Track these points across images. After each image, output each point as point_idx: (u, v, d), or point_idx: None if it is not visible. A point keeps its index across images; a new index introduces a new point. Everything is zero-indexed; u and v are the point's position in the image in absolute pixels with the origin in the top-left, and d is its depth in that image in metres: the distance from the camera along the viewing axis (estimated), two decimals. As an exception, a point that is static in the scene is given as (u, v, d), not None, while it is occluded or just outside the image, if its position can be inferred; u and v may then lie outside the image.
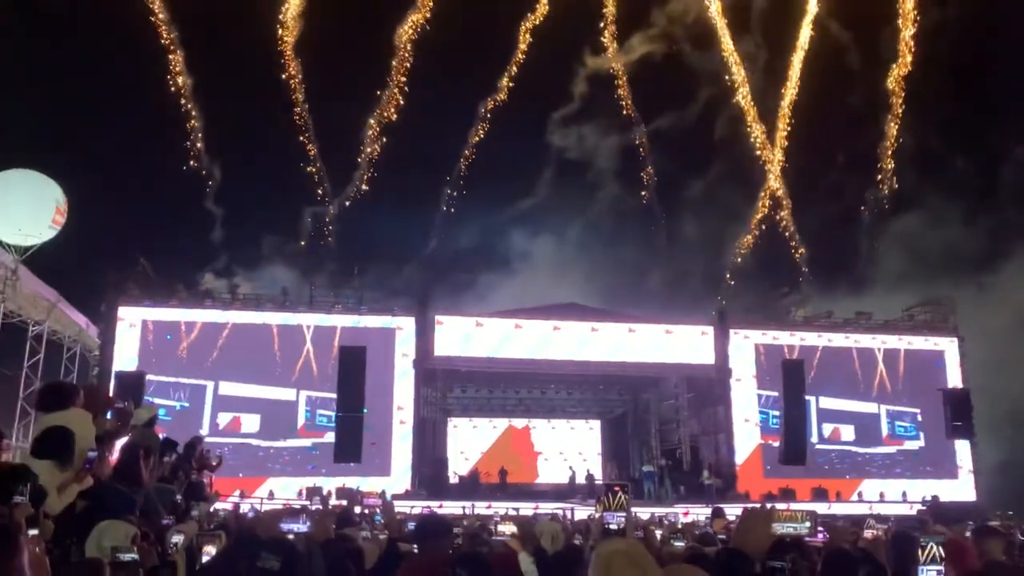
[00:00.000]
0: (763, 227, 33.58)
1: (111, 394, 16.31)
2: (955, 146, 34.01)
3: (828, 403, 26.40)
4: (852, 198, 34.58)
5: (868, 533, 7.35)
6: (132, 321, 22.88)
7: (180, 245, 29.54)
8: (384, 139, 32.20)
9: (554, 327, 25.07)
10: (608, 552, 1.98)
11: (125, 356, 22.36)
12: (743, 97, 32.51)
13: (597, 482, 26.20)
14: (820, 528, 4.66)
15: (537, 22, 32.34)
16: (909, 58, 32.34)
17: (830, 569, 3.61)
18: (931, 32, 31.92)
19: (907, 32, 32.07)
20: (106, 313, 22.90)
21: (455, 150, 33.58)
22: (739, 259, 32.92)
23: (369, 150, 31.28)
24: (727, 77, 32.55)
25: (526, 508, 17.96)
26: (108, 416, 6.91)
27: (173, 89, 29.04)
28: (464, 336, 24.68)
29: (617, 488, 3.44)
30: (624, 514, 3.38)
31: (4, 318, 21.37)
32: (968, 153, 33.90)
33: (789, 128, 32.69)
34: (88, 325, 24.74)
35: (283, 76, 30.14)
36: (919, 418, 26.95)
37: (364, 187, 31.24)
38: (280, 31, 29.51)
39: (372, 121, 31.19)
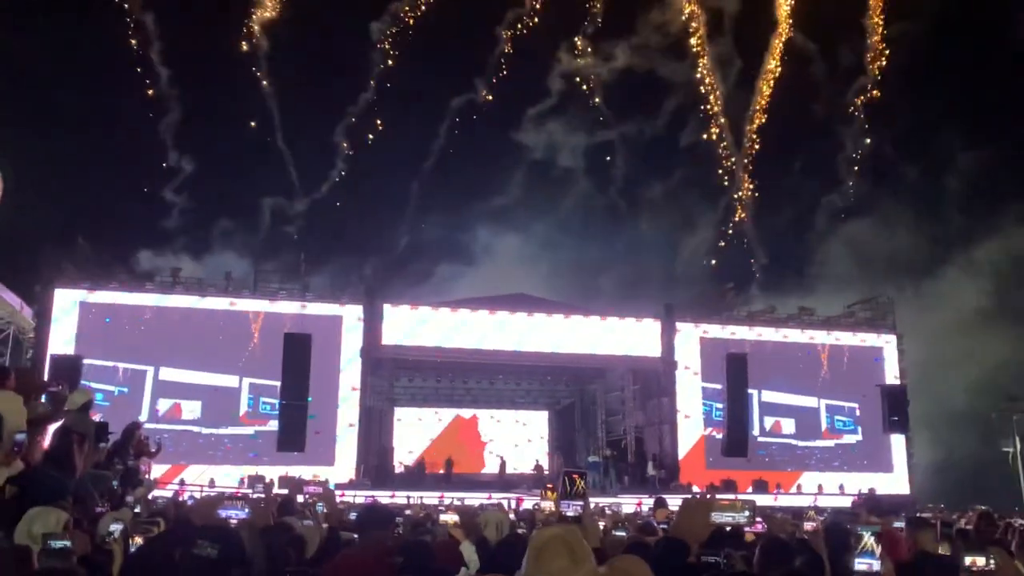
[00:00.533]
0: (723, 227, 34.42)
1: (45, 378, 15.88)
2: (907, 155, 35.24)
3: (770, 396, 26.89)
4: (807, 202, 35.62)
5: (808, 525, 7.51)
6: (69, 303, 22.26)
7: (120, 227, 28.83)
8: (356, 131, 32.31)
9: (502, 318, 25.08)
10: (543, 537, 1.96)
11: (61, 339, 21.74)
12: (713, 102, 33.05)
13: (547, 472, 26.40)
14: (758, 519, 4.74)
15: (521, 20, 32.64)
16: (872, 68, 33.36)
17: (765, 558, 3.66)
18: (891, 43, 33.04)
19: (872, 40, 33.03)
20: (41, 294, 22.21)
21: (425, 145, 33.83)
22: (690, 255, 33.60)
23: (344, 144, 31.11)
24: (701, 83, 33.18)
25: (472, 498, 17.96)
26: (42, 400, 6.72)
27: (130, 59, 28.48)
28: (412, 325, 24.54)
29: (575, 476, 3.44)
30: (581, 502, 3.38)
31: (-67, 298, 20.64)
32: (917, 161, 35.09)
33: (756, 134, 33.40)
34: (22, 306, 24.00)
35: (246, 52, 29.84)
36: (857, 413, 27.61)
37: (335, 179, 31.05)
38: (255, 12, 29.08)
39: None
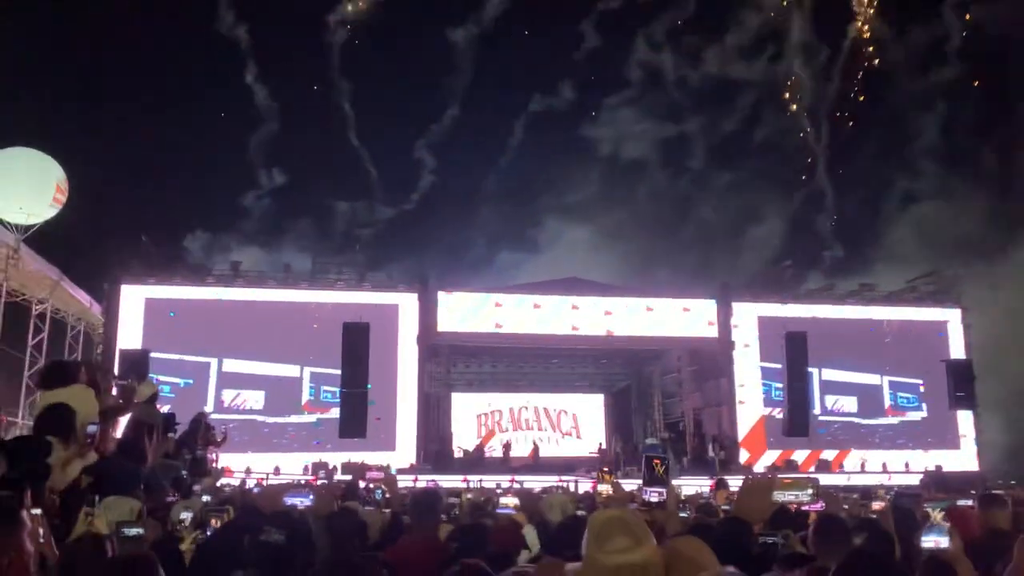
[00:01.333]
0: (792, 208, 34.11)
1: (115, 372, 16.37)
2: (979, 135, 34.28)
3: (831, 375, 26.41)
4: (876, 184, 34.99)
5: (876, 504, 7.35)
6: (135, 299, 22.91)
7: (183, 223, 29.53)
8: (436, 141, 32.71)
9: (556, 302, 25.05)
10: (602, 518, 1.96)
11: (129, 334, 22.40)
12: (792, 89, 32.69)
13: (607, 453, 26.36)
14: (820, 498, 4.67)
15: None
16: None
17: (821, 535, 3.61)
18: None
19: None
20: (109, 291, 22.91)
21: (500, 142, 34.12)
22: (753, 241, 33.29)
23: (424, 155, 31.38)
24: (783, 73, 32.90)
25: (531, 481, 18.04)
26: (112, 393, 6.94)
27: (209, 54, 29.21)
28: (466, 312, 24.68)
29: (656, 460, 3.40)
30: (664, 487, 3.33)
31: (7, 297, 21.37)
32: (989, 141, 34.11)
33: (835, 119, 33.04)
34: (91, 303, 24.76)
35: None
36: (921, 389, 26.96)
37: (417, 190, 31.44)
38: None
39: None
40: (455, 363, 28.35)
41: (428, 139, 34.60)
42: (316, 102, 33.75)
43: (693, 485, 16.14)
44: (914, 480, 21.54)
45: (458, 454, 25.98)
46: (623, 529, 1.91)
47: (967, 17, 33.17)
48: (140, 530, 3.72)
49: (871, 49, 35.05)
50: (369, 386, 21.85)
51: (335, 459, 20.81)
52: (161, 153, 31.12)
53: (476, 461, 25.30)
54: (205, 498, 6.68)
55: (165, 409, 9.55)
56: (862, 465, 24.90)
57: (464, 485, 17.30)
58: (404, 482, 13.55)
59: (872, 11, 34.11)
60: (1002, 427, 27.06)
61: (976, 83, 33.94)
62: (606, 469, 7.45)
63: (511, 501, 6.21)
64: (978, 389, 24.22)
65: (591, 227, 34.25)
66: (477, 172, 36.26)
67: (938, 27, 34.13)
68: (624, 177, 36.50)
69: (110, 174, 27.48)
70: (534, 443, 27.41)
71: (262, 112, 31.98)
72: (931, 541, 3.00)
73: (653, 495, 3.26)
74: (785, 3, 34.30)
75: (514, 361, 29.48)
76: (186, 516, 4.95)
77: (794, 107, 34.01)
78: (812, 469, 24.07)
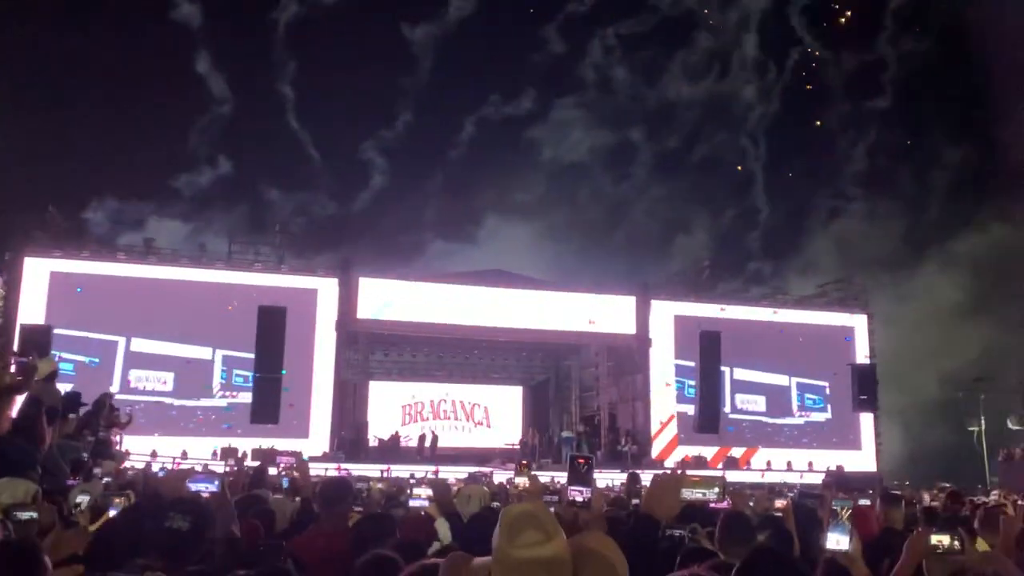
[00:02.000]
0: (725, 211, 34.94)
1: (15, 347, 15.66)
2: (895, 152, 35.86)
3: (742, 374, 27.18)
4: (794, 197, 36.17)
5: (779, 502, 7.60)
6: (39, 272, 21.95)
7: (91, 195, 28.36)
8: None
9: (478, 293, 25.07)
10: (514, 513, 1.96)
11: (31, 308, 21.43)
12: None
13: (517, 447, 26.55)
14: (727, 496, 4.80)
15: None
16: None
17: (726, 533, 3.71)
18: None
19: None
20: (11, 262, 21.90)
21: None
22: (677, 247, 34.00)
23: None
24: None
25: (445, 471, 18.03)
26: (10, 369, 6.62)
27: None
28: (387, 299, 24.46)
29: (582, 460, 3.42)
30: (590, 488, 3.35)
31: (-102, 265, 20.25)
32: (904, 159, 35.69)
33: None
34: (-9, 275, 23.64)
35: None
36: (827, 391, 27.99)
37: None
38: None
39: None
40: (373, 351, 28.09)
41: (375, 135, 34.16)
42: (259, 86, 32.86)
43: (606, 479, 16.39)
44: (817, 479, 22.35)
45: (373, 443, 25.78)
46: (534, 524, 1.92)
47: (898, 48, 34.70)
48: (33, 514, 3.56)
49: (810, 72, 36.40)
50: (284, 371, 21.50)
51: (246, 445, 20.42)
52: (74, 123, 29.79)
53: (392, 450, 25.15)
54: (105, 480, 6.45)
55: (68, 388, 9.19)
56: (768, 463, 25.70)
57: (377, 474, 17.21)
58: (316, 471, 13.38)
59: (813, 37, 35.42)
60: (898, 425, 28.44)
61: (899, 111, 35.59)
62: (524, 462, 7.48)
63: (424, 492, 6.18)
64: (881, 396, 25.37)
65: (528, 225, 34.49)
66: (422, 167, 36.08)
67: (869, 56, 35.58)
68: (565, 179, 37.03)
69: (16, 142, 26.21)
70: (432, 433, 27.20)
71: (203, 92, 30.98)
72: (834, 540, 3.10)
73: (576, 494, 3.28)
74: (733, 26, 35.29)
75: (433, 351, 29.39)
76: (83, 499, 4.76)
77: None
78: (720, 466, 24.73)
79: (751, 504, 6.84)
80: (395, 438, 26.49)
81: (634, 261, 33.00)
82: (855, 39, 36.66)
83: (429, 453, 25.16)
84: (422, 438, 26.48)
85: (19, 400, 6.79)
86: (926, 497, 11.02)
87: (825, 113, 38.07)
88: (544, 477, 11.44)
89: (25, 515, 3.53)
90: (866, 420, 27.60)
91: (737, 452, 26.08)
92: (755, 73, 37.15)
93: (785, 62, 36.97)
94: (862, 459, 27.23)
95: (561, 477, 15.18)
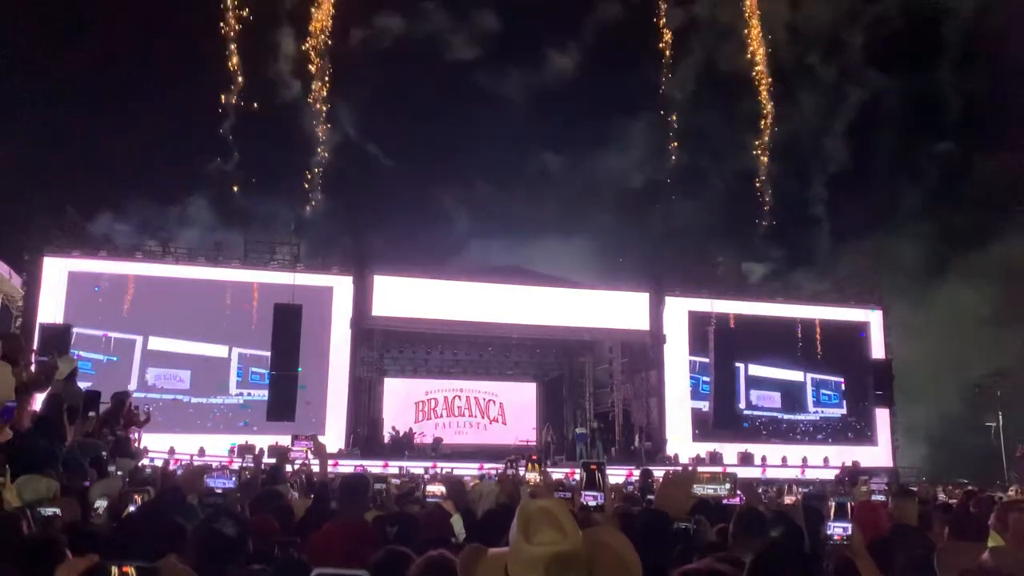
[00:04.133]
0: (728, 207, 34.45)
1: (35, 346, 15.86)
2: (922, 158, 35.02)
3: (756, 370, 27.10)
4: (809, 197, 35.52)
5: (788, 498, 7.63)
6: (58, 272, 22.17)
7: (110, 195, 28.56)
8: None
9: (492, 289, 25.12)
10: (532, 508, 2.01)
11: (51, 308, 21.67)
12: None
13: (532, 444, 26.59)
14: (739, 491, 4.84)
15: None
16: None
17: (740, 528, 3.74)
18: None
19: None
20: (31, 262, 22.14)
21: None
22: (689, 236, 33.60)
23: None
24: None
25: (459, 468, 18.11)
26: (31, 368, 6.73)
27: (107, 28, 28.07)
28: (402, 296, 24.54)
29: (593, 467, 3.45)
30: (602, 493, 3.39)
31: (-80, 265, 20.51)
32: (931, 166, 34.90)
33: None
34: (11, 274, 23.87)
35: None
36: (842, 387, 27.88)
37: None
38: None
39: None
40: (388, 348, 28.20)
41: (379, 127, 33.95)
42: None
43: (619, 475, 16.43)
44: (832, 474, 22.32)
45: (388, 439, 25.88)
46: (551, 520, 1.97)
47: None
48: (56, 510, 3.65)
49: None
50: (300, 369, 21.63)
51: (262, 442, 20.55)
52: (95, 124, 29.97)
53: (407, 447, 25.25)
54: (124, 477, 6.54)
55: (87, 386, 9.30)
56: (783, 459, 25.63)
57: (391, 471, 17.31)
58: (332, 467, 13.46)
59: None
60: (916, 420, 28.27)
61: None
62: (535, 457, 7.50)
63: (438, 489, 6.23)
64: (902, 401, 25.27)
65: (543, 219, 34.36)
66: (433, 158, 35.80)
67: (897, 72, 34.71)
68: (583, 176, 36.79)
69: (37, 143, 26.43)
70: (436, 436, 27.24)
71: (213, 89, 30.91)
72: (838, 528, 3.13)
73: (590, 499, 3.32)
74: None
75: (447, 347, 29.46)
76: (101, 504, 4.83)
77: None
78: (735, 462, 24.67)
79: (765, 500, 6.86)
80: (409, 435, 26.57)
81: (646, 254, 32.83)
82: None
83: (436, 451, 25.24)
84: (436, 439, 26.52)
85: (40, 398, 6.90)
86: (941, 494, 11.00)
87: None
88: (558, 474, 11.48)
89: (48, 511, 3.61)
90: (882, 415, 27.47)
91: (752, 448, 25.97)
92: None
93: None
94: (878, 455, 27.11)
95: (575, 473, 15.23)
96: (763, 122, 31.79)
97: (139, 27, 29.44)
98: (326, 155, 29.61)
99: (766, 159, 31.69)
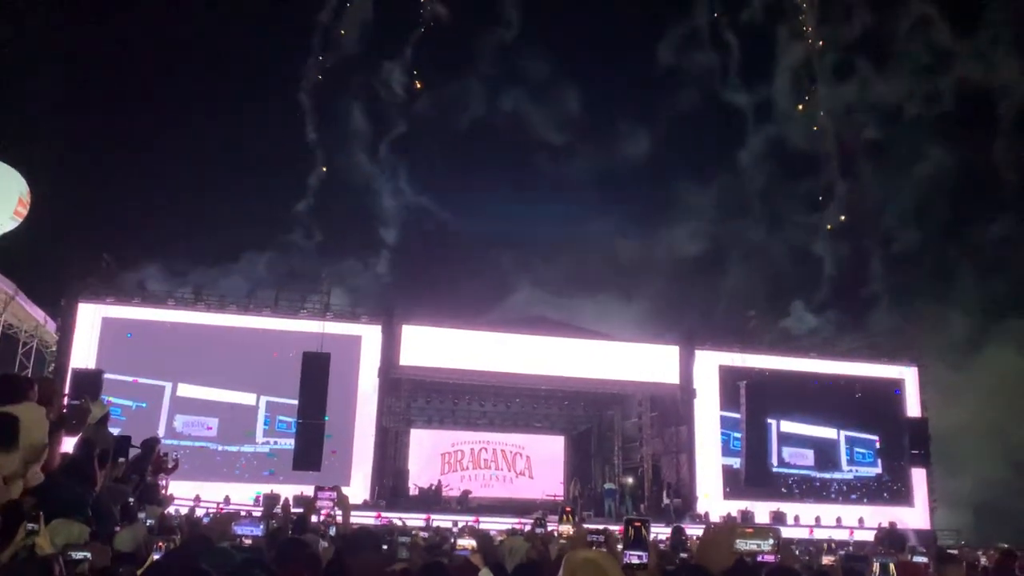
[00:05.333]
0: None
1: (67, 390, 15.97)
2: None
3: (789, 427, 26.62)
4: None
5: (827, 559, 7.41)
6: (92, 318, 22.47)
7: (145, 243, 29.10)
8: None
9: (520, 340, 25.03)
10: (577, 560, 1.95)
11: (83, 353, 21.92)
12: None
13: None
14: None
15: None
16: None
17: None
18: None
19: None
20: (65, 308, 22.47)
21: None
22: (718, 290, 33.48)
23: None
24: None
25: (487, 522, 17.87)
26: (63, 412, 6.75)
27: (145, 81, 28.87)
28: (430, 346, 24.54)
29: (638, 523, 3.37)
30: (646, 552, 3.29)
31: (-41, 310, 20.88)
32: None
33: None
34: (46, 320, 24.23)
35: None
36: (877, 445, 27.27)
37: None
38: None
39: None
40: (415, 398, 28.13)
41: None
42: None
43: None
44: (868, 536, 21.71)
45: (413, 491, 25.66)
46: (596, 571, 1.91)
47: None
48: (87, 554, 3.61)
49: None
50: (327, 418, 21.60)
51: (286, 491, 20.43)
52: (130, 173, 30.73)
53: (433, 499, 25.01)
54: (149, 524, 6.50)
55: (115, 432, 9.31)
56: (817, 519, 25.01)
57: (416, 522, 17.11)
58: (357, 519, 13.33)
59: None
60: (954, 481, 27.48)
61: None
62: (568, 509, 7.39)
63: (468, 543, 6.14)
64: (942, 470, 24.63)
65: (568, 270, 34.42)
66: (461, 212, 36.25)
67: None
68: (606, 225, 36.89)
69: (75, 190, 27.07)
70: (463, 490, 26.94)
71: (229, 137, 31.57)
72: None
73: (633, 558, 3.22)
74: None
75: (475, 398, 29.32)
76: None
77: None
78: (767, 521, 24.10)
79: (806, 558, 6.67)
80: (438, 487, 26.32)
81: (674, 306, 32.63)
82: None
83: (462, 505, 24.94)
84: (464, 492, 26.24)
85: (71, 441, 6.90)
86: (983, 558, 10.62)
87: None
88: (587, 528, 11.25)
89: (79, 555, 3.58)
90: (919, 476, 26.78)
91: (785, 507, 25.39)
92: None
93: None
94: (915, 516, 26.36)
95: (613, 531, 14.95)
96: (823, 197, 31.88)
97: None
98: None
99: (826, 227, 31.66)
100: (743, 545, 3.34)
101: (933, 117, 33.33)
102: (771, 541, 3.39)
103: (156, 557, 4.70)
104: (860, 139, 34.62)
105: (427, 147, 33.57)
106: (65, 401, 7.24)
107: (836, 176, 33.31)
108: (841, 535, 23.06)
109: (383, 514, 19.91)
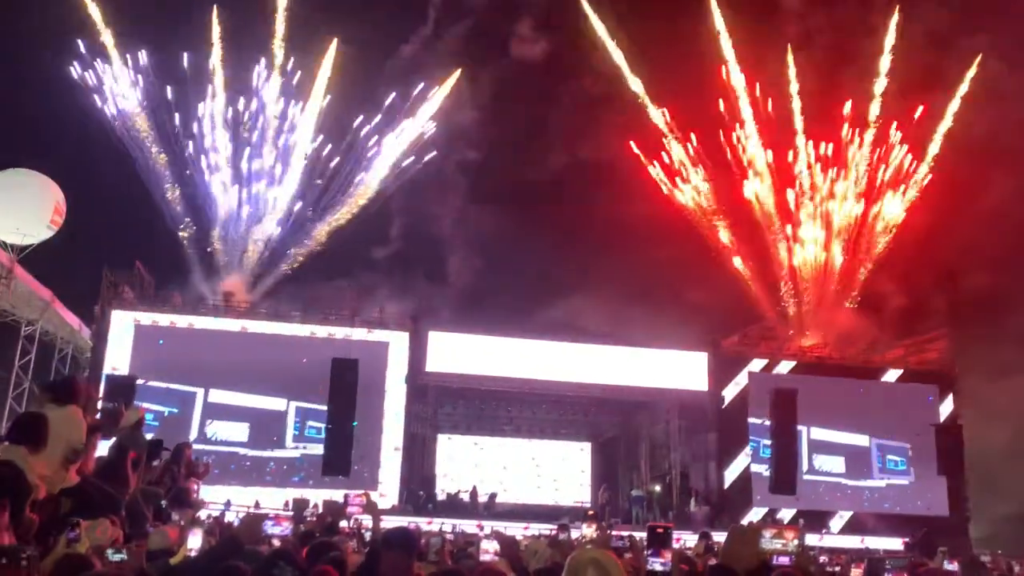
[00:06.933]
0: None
1: (100, 395, 16.24)
2: None
3: (819, 434, 26.33)
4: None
5: (855, 571, 7.34)
6: (125, 324, 22.83)
7: (176, 250, 29.43)
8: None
9: (547, 347, 25.04)
10: (579, 559, 1.98)
11: (117, 359, 22.27)
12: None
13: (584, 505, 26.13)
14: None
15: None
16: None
17: None
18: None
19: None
20: (100, 315, 22.85)
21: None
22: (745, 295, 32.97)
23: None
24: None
25: (513, 527, 17.85)
26: (97, 416, 6.90)
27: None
28: (456, 353, 24.63)
29: (661, 529, 3.37)
30: (668, 558, 3.29)
31: (-3, 317, 21.33)
32: None
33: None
34: (81, 327, 24.69)
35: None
36: (909, 452, 26.88)
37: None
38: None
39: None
40: (442, 404, 28.20)
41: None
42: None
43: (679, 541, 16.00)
44: (898, 543, 21.44)
45: (441, 497, 25.71)
46: (598, 569, 1.94)
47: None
48: (124, 555, 3.70)
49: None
50: (355, 423, 21.72)
51: (315, 496, 20.53)
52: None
53: (460, 505, 25.04)
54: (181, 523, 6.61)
55: (149, 436, 9.47)
56: (848, 526, 24.68)
57: (447, 528, 17.15)
58: (385, 523, 13.36)
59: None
60: (987, 489, 27.01)
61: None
62: (592, 512, 7.42)
63: (492, 546, 6.16)
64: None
65: (594, 275, 34.18)
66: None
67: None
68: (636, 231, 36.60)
69: (109, 198, 27.50)
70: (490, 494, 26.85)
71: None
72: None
73: (657, 564, 3.22)
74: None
75: (502, 405, 29.32)
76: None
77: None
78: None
79: (822, 561, 6.62)
80: (473, 493, 26.28)
81: (706, 316, 32.24)
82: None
83: (488, 510, 24.90)
84: (491, 496, 26.24)
85: (106, 444, 7.05)
86: (1016, 566, 10.48)
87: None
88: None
89: (117, 556, 3.67)
90: (952, 484, 26.28)
91: (816, 514, 25.06)
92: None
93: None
94: (949, 525, 25.88)
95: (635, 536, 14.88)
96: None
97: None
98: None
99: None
100: (768, 544, 3.34)
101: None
102: (796, 542, 3.39)
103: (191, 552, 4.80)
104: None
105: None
106: (99, 405, 7.40)
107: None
108: (872, 542, 22.80)
109: (411, 519, 19.96)
